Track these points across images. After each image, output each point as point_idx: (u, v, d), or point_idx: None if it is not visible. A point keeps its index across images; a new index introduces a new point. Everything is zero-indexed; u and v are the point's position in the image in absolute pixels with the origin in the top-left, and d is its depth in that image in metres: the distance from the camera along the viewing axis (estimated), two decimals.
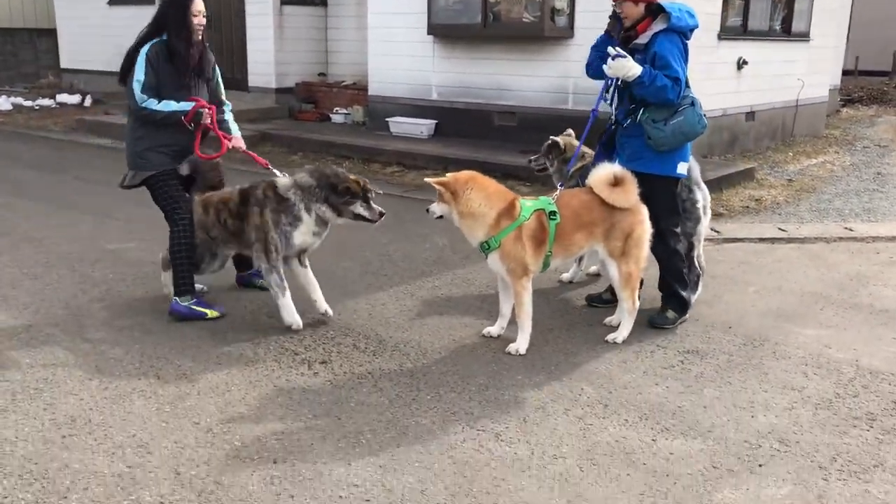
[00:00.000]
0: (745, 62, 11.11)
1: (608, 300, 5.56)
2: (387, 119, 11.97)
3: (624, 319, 5.00)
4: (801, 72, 12.51)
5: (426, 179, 4.80)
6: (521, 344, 4.76)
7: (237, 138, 5.54)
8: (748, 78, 11.30)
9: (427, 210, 4.80)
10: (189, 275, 5.23)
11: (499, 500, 3.34)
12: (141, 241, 6.95)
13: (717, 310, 5.56)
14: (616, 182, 4.79)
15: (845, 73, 18.01)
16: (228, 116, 5.64)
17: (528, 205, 4.75)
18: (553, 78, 10.66)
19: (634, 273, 4.90)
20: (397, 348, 4.84)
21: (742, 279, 6.24)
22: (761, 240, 7.53)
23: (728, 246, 7.21)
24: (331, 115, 13.07)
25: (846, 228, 7.95)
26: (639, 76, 4.87)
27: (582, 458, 3.65)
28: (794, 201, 9.08)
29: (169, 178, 5.27)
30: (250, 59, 14.08)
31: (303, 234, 5.01)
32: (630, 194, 4.80)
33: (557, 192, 4.94)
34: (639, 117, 5.08)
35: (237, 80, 13.90)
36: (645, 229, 4.91)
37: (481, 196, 4.67)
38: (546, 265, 4.83)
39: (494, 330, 5.01)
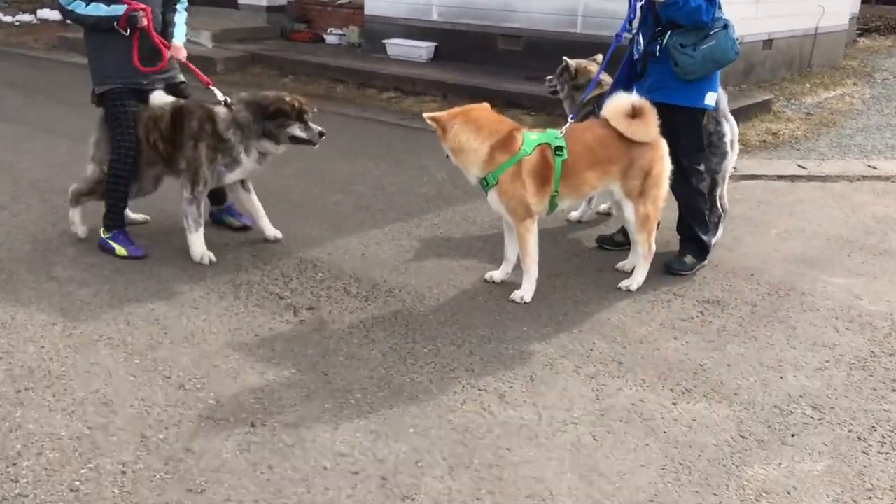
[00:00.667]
0: None
1: (620, 242, 5.14)
2: (384, 41, 11.33)
3: (638, 265, 4.59)
4: None
5: (424, 115, 4.34)
6: (525, 291, 4.36)
7: (176, 46, 4.94)
8: (767, 3, 10.65)
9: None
10: (116, 209, 4.85)
11: (503, 473, 2.98)
12: None
13: (738, 254, 5.15)
14: (634, 113, 4.33)
15: (863, 0, 17.25)
16: (179, 19, 5.05)
17: (531, 138, 4.29)
18: None
19: (652, 214, 4.47)
20: (392, 294, 4.44)
21: (762, 220, 5.81)
22: (780, 177, 7.08)
23: (746, 183, 6.75)
24: (325, 36, 12.40)
25: (869, 166, 7.49)
26: None
27: (595, 425, 3.28)
28: (814, 136, 8.59)
29: (120, 97, 4.77)
30: None
31: (238, 174, 4.83)
32: (650, 127, 4.34)
33: (567, 124, 4.48)
34: (665, 42, 4.57)
35: None
36: (665, 166, 4.46)
37: (470, 129, 4.23)
38: (553, 206, 4.39)
39: (498, 275, 4.61)
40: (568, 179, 4.29)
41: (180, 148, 4.70)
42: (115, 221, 4.85)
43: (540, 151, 4.24)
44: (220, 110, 4.69)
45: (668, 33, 4.56)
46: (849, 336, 4.09)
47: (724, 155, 5.09)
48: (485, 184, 4.27)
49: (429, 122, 4.27)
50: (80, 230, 5.01)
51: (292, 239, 5.18)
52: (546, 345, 3.90)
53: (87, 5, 4.62)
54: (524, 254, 4.34)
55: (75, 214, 5.01)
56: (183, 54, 4.95)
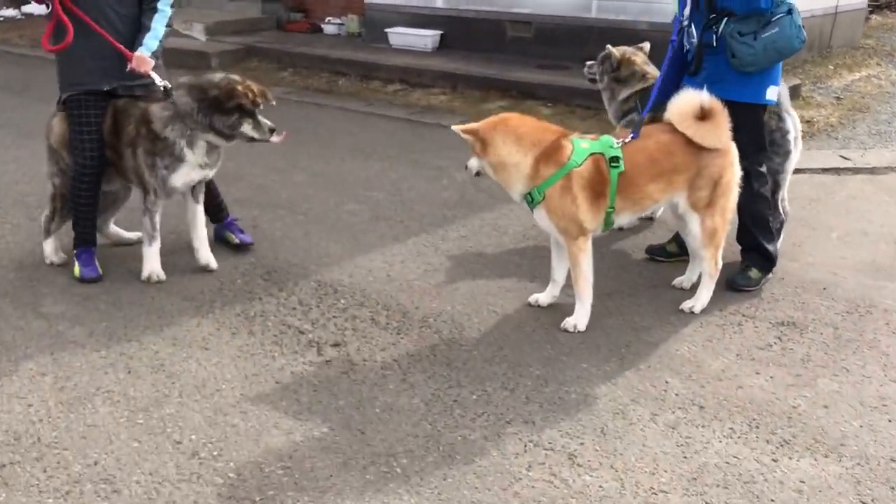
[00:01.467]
0: None
1: (673, 253, 4.62)
2: (386, 30, 10.74)
3: (703, 283, 4.07)
4: None
5: (453, 128, 3.81)
6: (579, 318, 3.85)
7: (139, 57, 4.21)
8: None
9: (465, 167, 3.93)
10: (79, 225, 4.38)
11: None
12: None
13: (803, 264, 4.64)
14: (704, 115, 3.80)
15: None
16: (156, 21, 4.30)
17: (582, 146, 3.76)
18: None
19: (720, 227, 3.96)
20: (426, 324, 3.92)
21: (819, 221, 5.31)
22: (825, 170, 6.57)
23: (791, 178, 6.22)
24: (323, 26, 11.79)
25: None
26: None
27: (689, 492, 2.77)
28: (849, 123, 8.08)
29: (79, 105, 4.26)
30: None
31: (186, 175, 4.25)
32: (722, 131, 3.82)
33: (629, 136, 3.93)
34: (721, 29, 4.04)
35: None
36: (735, 173, 3.96)
37: (511, 139, 3.71)
38: (609, 223, 3.88)
39: (544, 298, 4.09)
40: (626, 193, 3.77)
41: (122, 156, 4.29)
42: (79, 237, 4.38)
43: (593, 162, 3.71)
44: (155, 107, 4.17)
45: (725, 20, 4.04)
46: None
47: (787, 154, 4.58)
48: (530, 200, 3.75)
49: (463, 136, 3.74)
50: (50, 260, 4.53)
51: (309, 258, 4.66)
52: (612, 386, 3.39)
53: None
54: (577, 276, 3.82)
55: (48, 244, 4.54)
56: (146, 67, 4.21)
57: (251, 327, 3.87)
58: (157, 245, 4.32)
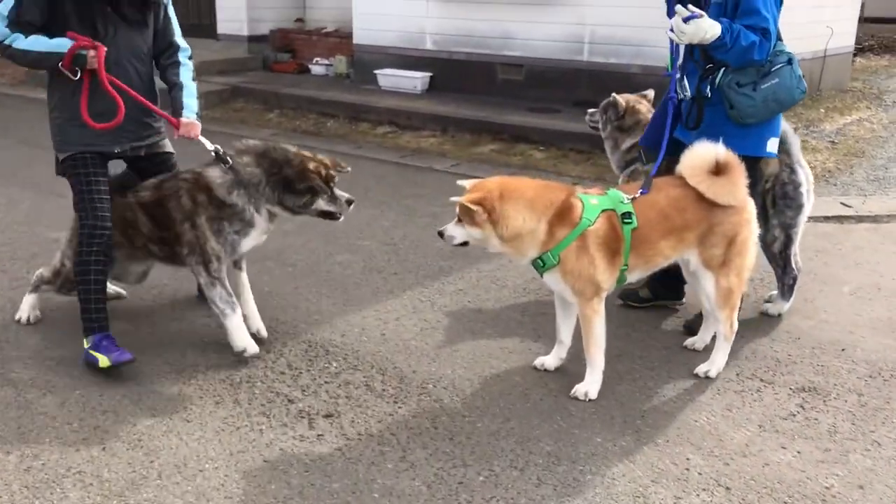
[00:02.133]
0: None
1: (645, 298, 4.55)
2: (375, 71, 10.60)
3: (718, 346, 3.84)
4: (828, 18, 11.34)
5: (454, 199, 3.48)
6: (590, 386, 3.60)
7: (187, 123, 3.88)
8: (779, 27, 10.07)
9: (441, 234, 3.59)
10: (90, 309, 3.77)
11: None
12: None
13: (817, 322, 4.43)
14: (719, 170, 3.60)
15: None
16: (185, 76, 3.98)
17: (592, 203, 3.53)
18: (566, 25, 9.36)
19: (736, 288, 3.74)
20: (425, 390, 3.66)
21: (828, 275, 5.11)
22: (826, 218, 6.40)
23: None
24: (310, 66, 11.65)
25: None
26: (719, 37, 3.65)
27: None
28: (847, 168, 7.97)
29: (85, 163, 3.84)
30: (219, 2, 12.55)
31: (255, 239, 3.90)
32: (738, 187, 3.62)
33: (621, 178, 3.73)
34: (718, 80, 3.87)
35: (204, 26, 12.40)
36: (752, 231, 3.74)
37: (522, 206, 3.44)
38: (622, 280, 3.65)
39: (551, 362, 3.84)
40: (639, 250, 3.55)
41: (177, 238, 3.80)
42: (92, 322, 3.77)
43: (606, 219, 3.49)
44: (213, 172, 3.77)
45: (722, 71, 3.86)
46: None
47: (800, 207, 4.38)
48: (540, 265, 3.51)
49: (473, 209, 3.38)
50: (26, 316, 4.23)
51: (298, 315, 4.40)
52: (630, 464, 3.13)
53: (25, 38, 3.61)
54: (590, 341, 3.57)
55: (28, 300, 4.25)
56: (196, 132, 3.89)
57: (237, 395, 3.59)
58: (238, 313, 3.85)
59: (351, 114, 9.76)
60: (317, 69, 11.58)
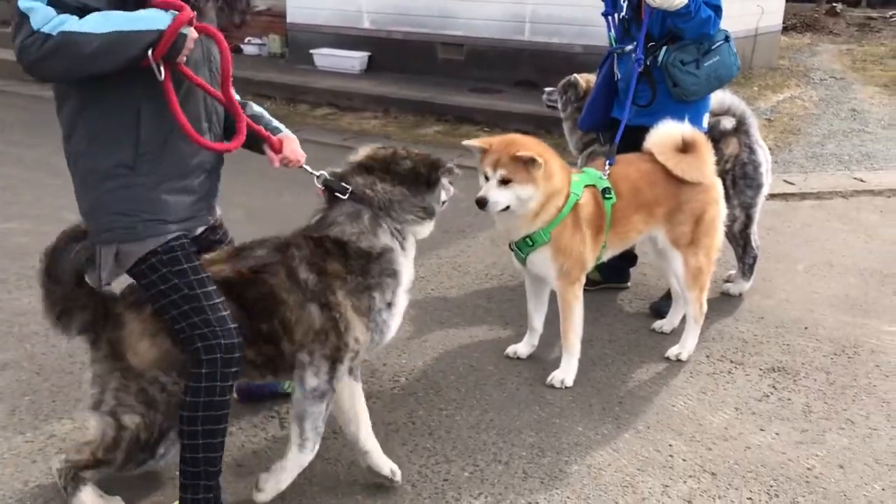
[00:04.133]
0: None
1: (596, 281, 4.50)
2: (310, 51, 10.36)
3: (689, 328, 3.84)
4: None
5: (520, 154, 3.14)
6: (567, 373, 3.55)
7: (293, 139, 2.83)
8: None
9: (483, 203, 3.20)
10: (214, 470, 2.52)
11: None
12: (26, 217, 5.34)
13: (777, 301, 4.48)
14: (686, 147, 3.59)
15: None
16: (258, 107, 2.91)
17: (574, 179, 3.48)
18: (507, 3, 9.30)
19: (705, 267, 3.74)
20: (397, 384, 3.55)
21: (782, 253, 5.18)
22: (773, 196, 6.49)
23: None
24: (242, 46, 11.30)
25: (856, 179, 7.05)
26: (685, 5, 3.65)
27: None
28: (785, 146, 8.13)
29: (187, 254, 2.48)
30: None
31: (403, 305, 2.74)
32: (705, 164, 3.64)
33: (580, 160, 3.70)
34: (661, 59, 3.86)
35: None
36: (719, 211, 3.75)
37: (557, 163, 3.35)
38: (598, 260, 3.63)
39: (523, 349, 3.78)
40: (616, 226, 3.54)
41: (286, 330, 2.56)
42: (212, 500, 2.53)
43: (590, 195, 3.45)
44: (338, 219, 2.63)
45: (664, 49, 3.87)
46: None
47: (759, 187, 4.42)
48: (529, 245, 3.41)
49: (537, 160, 3.15)
50: None
51: None
52: (615, 453, 3.09)
53: (80, 18, 2.14)
54: (568, 327, 3.52)
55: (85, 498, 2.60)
56: (298, 154, 2.81)
57: None
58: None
59: (288, 95, 9.51)
60: (249, 49, 11.25)
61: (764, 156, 4.44)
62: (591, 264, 3.53)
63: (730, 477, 2.96)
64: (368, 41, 10.19)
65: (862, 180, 6.99)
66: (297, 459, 2.62)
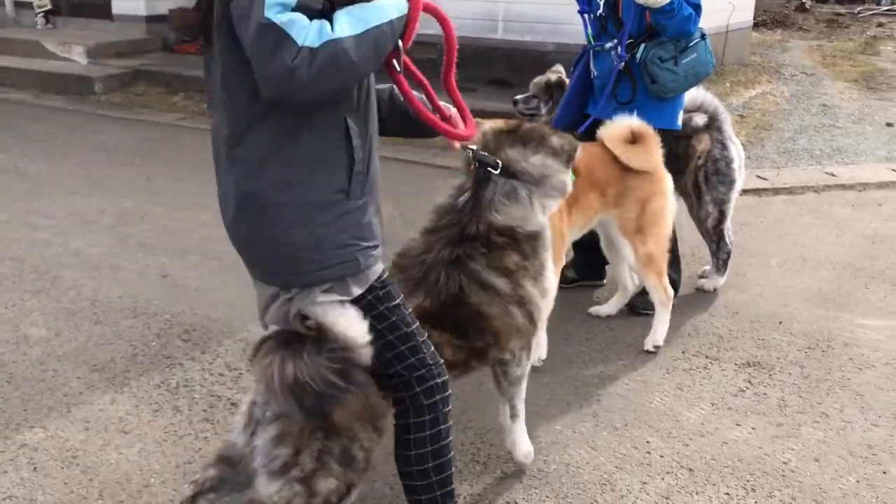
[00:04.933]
0: None
1: (572, 279, 4.53)
2: None
3: (657, 315, 3.90)
4: None
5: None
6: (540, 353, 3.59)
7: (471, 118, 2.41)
8: None
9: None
10: None
11: None
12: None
13: (752, 296, 4.51)
14: (634, 139, 3.68)
15: None
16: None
17: None
18: (480, 2, 9.28)
19: (656, 253, 3.84)
20: None
21: (756, 248, 5.22)
22: (745, 192, 6.53)
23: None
24: None
25: (827, 174, 7.11)
26: (668, 3, 3.69)
27: None
28: (757, 141, 8.19)
29: (393, 288, 2.21)
30: None
31: None
32: (651, 155, 3.79)
33: None
34: (639, 56, 3.89)
35: (97, 6, 11.73)
36: (667, 203, 3.86)
37: None
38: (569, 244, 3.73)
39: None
40: (579, 203, 3.59)
41: (498, 336, 2.56)
42: None
43: None
44: (494, 198, 2.52)
45: (643, 46, 3.89)
46: None
47: (731, 183, 4.45)
48: None
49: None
50: None
51: (231, 312, 4.20)
52: (593, 451, 3.09)
53: (331, 25, 1.84)
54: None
55: None
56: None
57: (176, 402, 3.38)
58: None
59: None
60: None
61: (736, 152, 4.47)
62: (568, 239, 3.64)
63: (707, 472, 2.98)
64: None
65: (833, 175, 7.06)
66: (518, 426, 2.86)
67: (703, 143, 4.38)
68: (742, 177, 4.55)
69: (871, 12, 18.80)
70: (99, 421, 3.23)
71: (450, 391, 2.29)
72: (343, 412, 2.13)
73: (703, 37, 4.02)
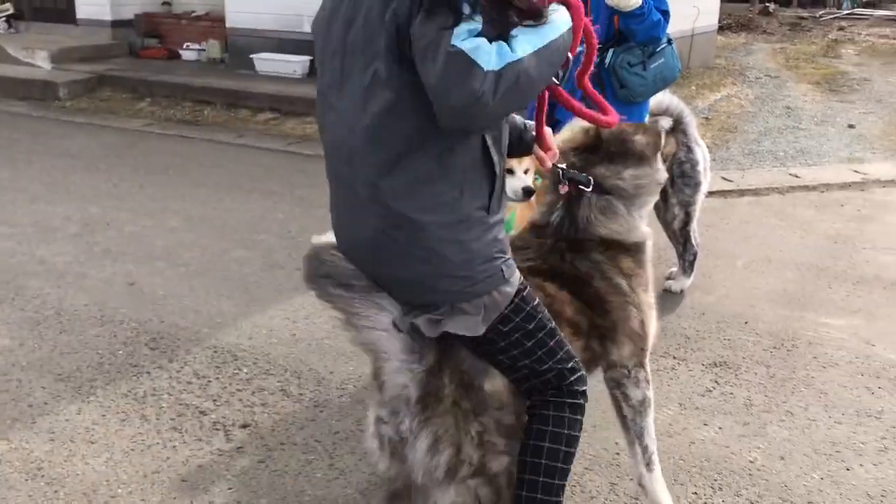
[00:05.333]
0: None
1: None
2: (251, 56, 10.23)
3: None
4: None
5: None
6: None
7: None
8: None
9: (531, 191, 3.26)
10: None
11: None
12: None
13: (718, 297, 4.56)
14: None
15: None
16: None
17: None
18: None
19: None
20: (345, 391, 3.53)
21: (721, 249, 5.29)
22: (711, 193, 6.60)
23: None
24: (181, 52, 11.14)
25: (791, 175, 7.22)
26: (638, 7, 3.73)
27: None
28: (722, 143, 8.30)
29: (530, 290, 2.18)
30: None
31: None
32: None
33: None
34: (608, 61, 3.93)
35: (60, 10, 11.62)
36: None
37: None
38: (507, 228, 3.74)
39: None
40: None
41: (615, 328, 2.51)
42: None
43: None
44: (610, 227, 2.52)
45: (611, 51, 3.94)
46: (887, 399, 3.54)
47: (697, 185, 4.51)
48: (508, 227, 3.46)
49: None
50: None
51: (199, 319, 4.16)
52: None
53: (511, 43, 1.80)
54: None
55: None
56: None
57: (143, 410, 3.35)
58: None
59: (229, 101, 9.39)
60: (188, 55, 11.08)
61: (702, 154, 4.52)
62: None
63: (675, 472, 3.01)
64: (309, 46, 10.06)
65: (797, 176, 7.17)
66: (656, 481, 2.62)
67: (668, 146, 4.41)
68: (708, 179, 4.60)
69: (832, 16, 19.15)
70: (65, 431, 3.19)
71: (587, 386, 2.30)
72: (494, 381, 2.12)
73: (669, 42, 4.08)
